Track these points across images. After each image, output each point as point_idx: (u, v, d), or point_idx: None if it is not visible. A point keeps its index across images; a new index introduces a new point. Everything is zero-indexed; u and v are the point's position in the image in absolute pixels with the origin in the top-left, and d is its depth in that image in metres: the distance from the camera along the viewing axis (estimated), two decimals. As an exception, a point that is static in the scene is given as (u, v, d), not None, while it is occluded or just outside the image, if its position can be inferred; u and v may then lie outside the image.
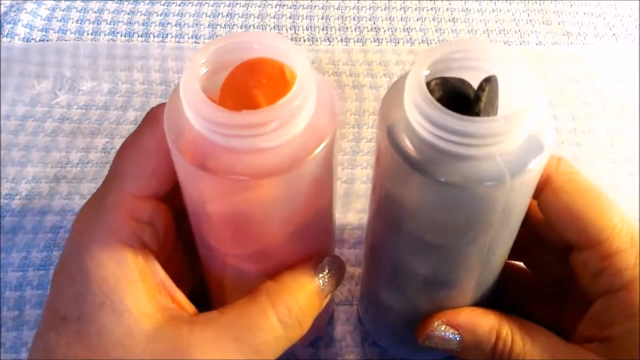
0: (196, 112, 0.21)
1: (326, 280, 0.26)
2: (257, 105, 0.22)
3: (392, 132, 0.23)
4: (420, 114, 0.21)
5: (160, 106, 0.25)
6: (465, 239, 0.25)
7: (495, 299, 0.30)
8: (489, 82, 0.23)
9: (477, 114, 0.22)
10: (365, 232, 0.31)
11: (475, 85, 0.23)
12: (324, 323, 0.34)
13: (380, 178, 0.26)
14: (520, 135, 0.22)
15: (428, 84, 0.23)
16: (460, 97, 0.23)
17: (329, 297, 0.27)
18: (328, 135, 0.23)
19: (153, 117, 0.25)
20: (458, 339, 0.27)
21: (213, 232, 0.26)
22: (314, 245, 0.27)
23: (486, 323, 0.27)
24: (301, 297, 0.25)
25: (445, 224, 0.24)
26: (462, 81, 0.23)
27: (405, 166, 0.22)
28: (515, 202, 0.24)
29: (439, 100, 0.22)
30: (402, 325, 0.31)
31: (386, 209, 0.26)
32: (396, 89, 0.24)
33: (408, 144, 0.22)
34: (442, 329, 0.27)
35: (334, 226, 0.29)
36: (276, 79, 0.23)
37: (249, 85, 0.23)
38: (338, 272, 0.27)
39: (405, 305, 0.30)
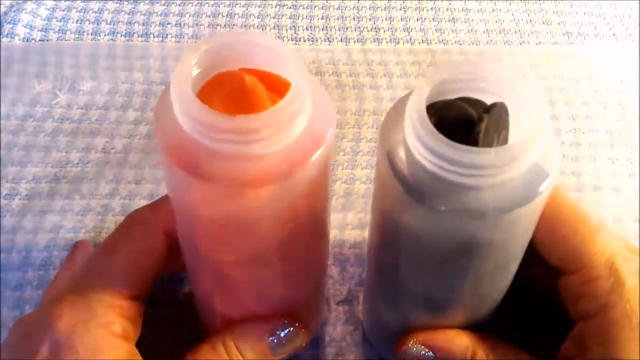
0: (187, 115, 0.20)
1: (277, 343, 0.29)
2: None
3: (391, 155, 0.22)
4: (416, 139, 0.21)
5: (140, 211, 0.29)
6: (460, 266, 0.24)
7: (498, 321, 0.29)
8: (488, 111, 0.22)
9: (476, 144, 0.21)
10: (367, 242, 0.30)
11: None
12: (318, 324, 0.34)
13: (378, 195, 0.25)
14: (519, 166, 0.21)
15: (433, 105, 0.22)
16: (467, 122, 0.22)
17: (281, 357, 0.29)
18: (324, 141, 0.22)
19: (140, 221, 0.28)
20: (433, 357, 0.28)
21: (204, 239, 0.25)
22: (310, 250, 0.27)
23: (461, 343, 0.27)
24: (248, 354, 0.28)
25: (437, 249, 0.24)
26: (477, 102, 0.22)
27: (401, 191, 0.22)
28: (513, 232, 0.23)
29: (443, 122, 0.21)
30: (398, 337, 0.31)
31: (383, 226, 0.26)
32: (397, 110, 0.23)
33: (405, 169, 0.22)
34: (417, 347, 0.28)
35: (329, 229, 0.29)
36: (237, 91, 0.22)
37: (214, 100, 0.22)
38: (292, 339, 0.29)
39: (399, 319, 0.30)
